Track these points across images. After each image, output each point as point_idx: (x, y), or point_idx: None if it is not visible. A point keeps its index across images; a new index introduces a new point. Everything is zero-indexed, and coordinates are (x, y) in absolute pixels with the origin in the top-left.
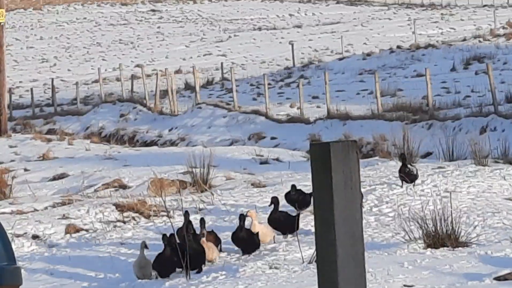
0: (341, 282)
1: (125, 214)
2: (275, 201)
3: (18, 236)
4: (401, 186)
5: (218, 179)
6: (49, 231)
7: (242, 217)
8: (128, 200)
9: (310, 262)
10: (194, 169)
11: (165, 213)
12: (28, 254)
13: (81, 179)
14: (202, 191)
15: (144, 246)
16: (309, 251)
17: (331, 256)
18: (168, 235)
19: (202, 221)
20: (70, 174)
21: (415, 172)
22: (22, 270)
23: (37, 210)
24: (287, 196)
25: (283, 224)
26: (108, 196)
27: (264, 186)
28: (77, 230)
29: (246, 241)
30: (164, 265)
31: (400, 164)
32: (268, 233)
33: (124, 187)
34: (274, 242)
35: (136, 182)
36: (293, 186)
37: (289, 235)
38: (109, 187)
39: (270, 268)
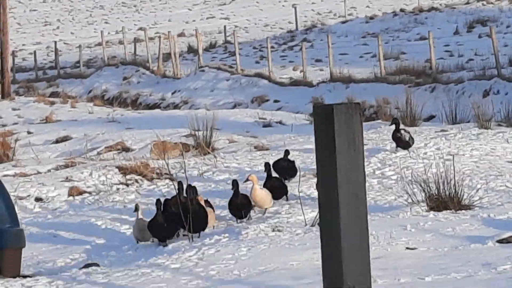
0: (344, 243)
1: (128, 176)
2: (268, 167)
3: (21, 198)
4: (395, 151)
5: (221, 142)
6: (52, 194)
7: (235, 183)
8: (131, 163)
9: (312, 225)
10: (197, 132)
11: (168, 176)
12: (31, 216)
13: (84, 142)
14: (205, 154)
15: (136, 208)
16: (312, 214)
17: (334, 218)
18: (161, 200)
19: (194, 188)
20: (73, 137)
21: (407, 139)
22: (25, 233)
23: (40, 173)
24: (277, 164)
25: (279, 190)
26: (111, 158)
27: (267, 149)
28: (80, 193)
29: (243, 206)
30: (156, 231)
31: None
32: (268, 198)
33: (127, 150)
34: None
35: (139, 145)
36: (287, 152)
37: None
38: (112, 150)
39: (273, 230)
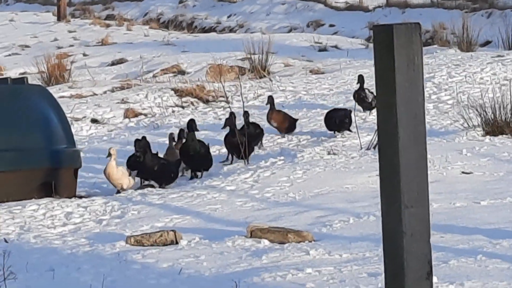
0: (402, 164)
1: (184, 99)
2: (271, 100)
3: (77, 120)
4: (362, 110)
5: (277, 65)
6: (108, 115)
7: (247, 114)
8: (186, 85)
9: (368, 148)
10: (252, 56)
11: (223, 99)
12: (86, 138)
13: (140, 64)
14: (260, 77)
15: (172, 138)
16: (367, 138)
17: (393, 138)
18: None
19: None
20: (128, 60)
21: (370, 100)
22: (81, 153)
23: (96, 95)
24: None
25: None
26: (167, 81)
27: (322, 73)
28: (136, 115)
29: (252, 137)
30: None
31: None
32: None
33: (182, 72)
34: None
35: (195, 68)
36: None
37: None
38: (168, 73)
39: (328, 153)
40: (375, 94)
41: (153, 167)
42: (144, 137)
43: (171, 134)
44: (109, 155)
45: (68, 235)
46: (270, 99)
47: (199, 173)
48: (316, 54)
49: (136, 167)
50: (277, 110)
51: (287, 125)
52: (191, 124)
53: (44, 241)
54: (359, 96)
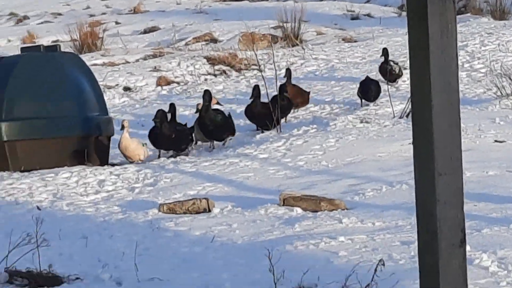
0: (436, 131)
1: (216, 67)
2: (288, 73)
3: (109, 87)
4: (387, 85)
5: (309, 34)
6: (140, 83)
7: (256, 89)
8: (219, 54)
9: (401, 117)
10: (285, 24)
11: (256, 67)
12: (119, 106)
13: (172, 33)
14: (293, 46)
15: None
16: (400, 106)
17: (426, 106)
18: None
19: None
20: (161, 28)
21: (397, 71)
22: (113, 121)
23: (129, 62)
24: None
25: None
26: (199, 49)
27: (355, 41)
28: (168, 83)
29: (263, 115)
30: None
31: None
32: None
33: (215, 41)
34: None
35: (227, 36)
36: (385, 51)
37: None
38: (200, 41)
39: (361, 122)
40: (399, 64)
41: (170, 135)
42: (172, 104)
43: (198, 104)
44: (122, 127)
45: (100, 203)
46: (288, 72)
47: (218, 142)
48: (348, 22)
49: (155, 138)
50: (292, 84)
51: (300, 100)
52: (205, 95)
53: (76, 209)
54: (385, 69)
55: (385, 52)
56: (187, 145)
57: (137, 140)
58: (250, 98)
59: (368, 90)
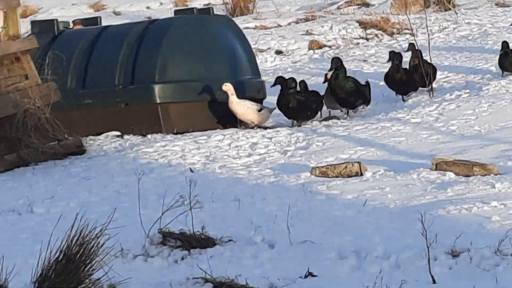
0: None
1: (368, 31)
2: (392, 56)
3: (261, 51)
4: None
5: None
6: (292, 47)
7: (395, 55)
8: (371, 18)
9: None
10: None
11: (408, 31)
12: (271, 69)
13: None
14: (445, 10)
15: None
16: None
17: None
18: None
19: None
20: None
21: None
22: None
23: (281, 26)
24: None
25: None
26: (351, 13)
27: (508, 6)
28: (320, 47)
29: (403, 82)
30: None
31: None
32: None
33: (366, 4)
34: None
35: (379, 0)
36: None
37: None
38: (352, 5)
39: None
40: None
41: (287, 104)
42: (302, 81)
43: (326, 74)
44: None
45: (253, 166)
46: (392, 55)
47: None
48: None
49: (279, 106)
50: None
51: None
52: (332, 62)
53: (229, 171)
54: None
55: (504, 44)
56: (310, 114)
57: (249, 104)
58: (388, 62)
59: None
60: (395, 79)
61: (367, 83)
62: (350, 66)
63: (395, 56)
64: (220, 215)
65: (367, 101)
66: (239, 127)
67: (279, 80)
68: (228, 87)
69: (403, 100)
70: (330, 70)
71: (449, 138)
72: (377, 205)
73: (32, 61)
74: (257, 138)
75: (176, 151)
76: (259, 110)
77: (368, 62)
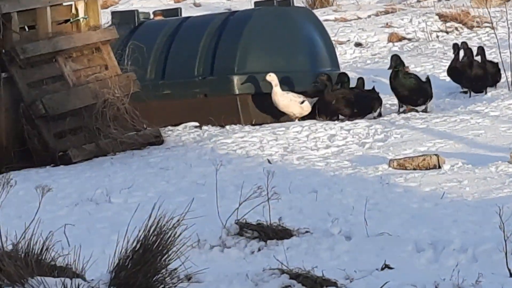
0: None
1: (448, 24)
2: (456, 48)
3: (341, 43)
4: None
5: None
6: (371, 39)
7: (456, 47)
8: (451, 11)
9: None
10: None
11: (488, 24)
12: (350, 61)
13: None
14: None
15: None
16: None
17: None
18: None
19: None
20: None
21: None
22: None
23: (360, 18)
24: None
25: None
26: (431, 6)
27: None
28: (400, 39)
29: (462, 74)
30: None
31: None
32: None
33: None
34: None
35: None
36: None
37: None
38: None
39: None
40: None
41: (330, 101)
42: (344, 72)
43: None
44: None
45: (330, 157)
46: (455, 47)
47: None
48: None
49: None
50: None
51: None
52: (392, 60)
53: (307, 163)
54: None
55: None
56: (364, 112)
57: (292, 96)
58: (454, 53)
59: None
60: (464, 73)
61: (428, 79)
62: (431, 60)
63: (460, 49)
64: (297, 207)
65: (429, 97)
66: (317, 118)
67: (325, 76)
68: (272, 77)
69: (469, 96)
70: (389, 68)
71: None
72: (455, 198)
73: (112, 52)
74: (335, 130)
75: (254, 142)
76: (301, 102)
77: (447, 55)
